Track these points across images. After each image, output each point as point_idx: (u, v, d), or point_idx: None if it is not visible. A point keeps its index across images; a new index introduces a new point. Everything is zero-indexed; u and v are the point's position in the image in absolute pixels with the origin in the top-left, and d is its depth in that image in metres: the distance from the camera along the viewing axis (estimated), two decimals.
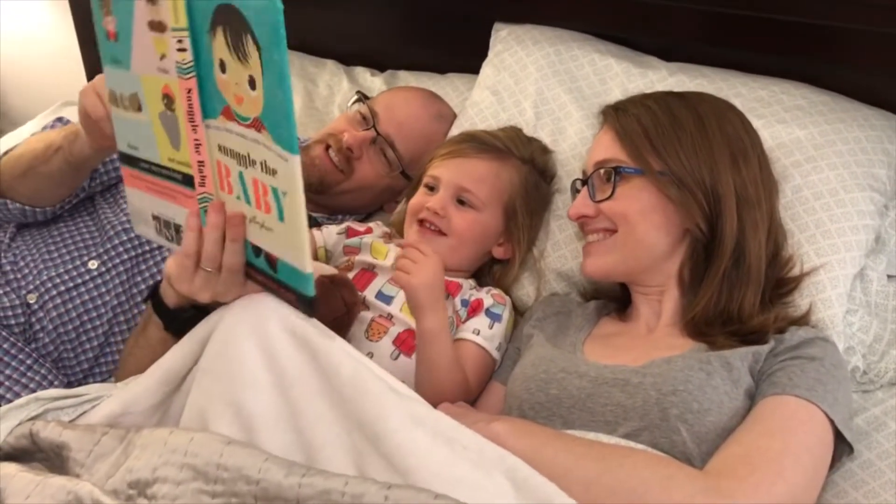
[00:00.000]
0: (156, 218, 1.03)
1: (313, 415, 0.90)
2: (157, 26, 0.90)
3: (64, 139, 1.29)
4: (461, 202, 1.32)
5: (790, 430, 0.99)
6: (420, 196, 1.34)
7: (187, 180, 0.96)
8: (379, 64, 1.94)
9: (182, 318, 1.05)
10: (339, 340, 0.94)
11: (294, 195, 0.82)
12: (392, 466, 0.86)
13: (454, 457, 0.86)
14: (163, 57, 0.91)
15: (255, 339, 0.91)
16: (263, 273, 0.93)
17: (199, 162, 0.93)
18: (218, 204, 0.93)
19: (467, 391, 1.21)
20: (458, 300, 1.28)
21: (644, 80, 1.49)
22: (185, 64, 0.88)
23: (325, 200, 1.54)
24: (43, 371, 1.30)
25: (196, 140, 0.92)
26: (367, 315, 1.24)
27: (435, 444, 0.86)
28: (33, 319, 1.33)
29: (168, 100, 0.93)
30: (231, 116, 0.87)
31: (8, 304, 1.32)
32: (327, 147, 1.51)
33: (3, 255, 1.38)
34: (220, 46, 0.85)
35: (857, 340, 1.23)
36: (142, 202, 1.05)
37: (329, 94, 1.91)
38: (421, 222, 1.32)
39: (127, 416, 0.99)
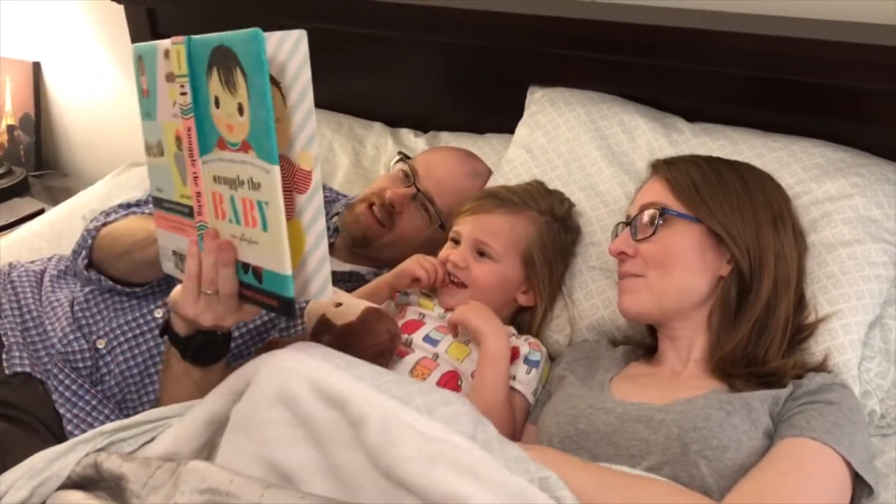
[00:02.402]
0: (175, 253, 1.13)
1: (348, 463, 0.95)
2: (170, 77, 1.03)
3: None
4: (481, 254, 1.42)
5: (806, 471, 1.03)
6: (446, 249, 1.46)
7: (191, 212, 1.06)
8: (422, 125, 2.05)
9: (194, 344, 1.13)
10: (367, 390, 0.99)
11: (275, 203, 0.91)
12: None
13: (478, 488, 0.90)
14: (174, 103, 1.03)
15: (284, 403, 0.98)
16: (251, 287, 1.01)
17: (197, 193, 1.03)
18: (212, 231, 1.02)
19: (513, 430, 1.28)
20: None
21: (669, 139, 1.57)
22: (186, 106, 1.00)
23: (368, 253, 1.64)
24: (106, 411, 1.39)
25: (194, 173, 1.02)
26: (412, 357, 1.32)
27: (461, 479, 0.90)
28: (101, 363, 1.42)
29: (179, 140, 1.05)
30: (224, 146, 0.97)
31: (78, 349, 1.42)
32: (371, 205, 1.60)
33: (76, 303, 1.48)
34: (214, 85, 0.95)
35: (875, 385, 1.27)
36: (165, 240, 1.15)
37: (375, 154, 2.02)
38: (447, 283, 1.43)
39: (179, 454, 1.05)
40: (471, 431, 0.98)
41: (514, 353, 1.35)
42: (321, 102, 2.12)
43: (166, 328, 1.16)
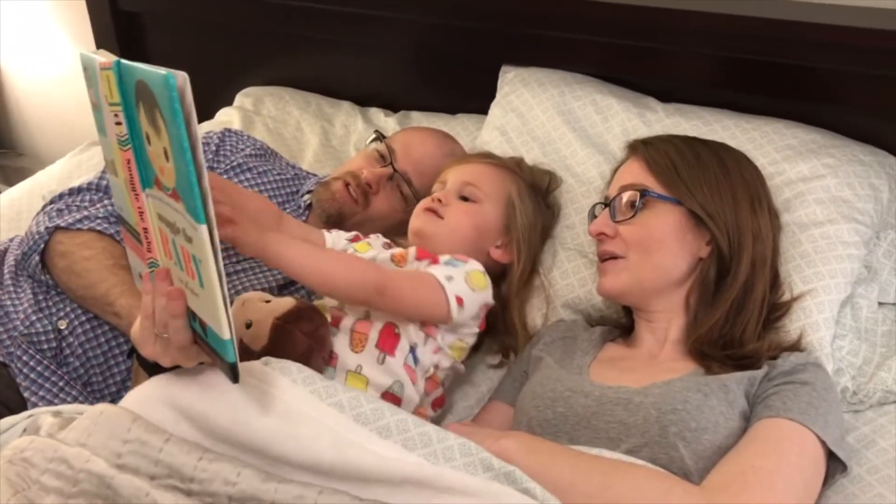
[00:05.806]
0: (140, 276, 1.06)
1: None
2: (107, 100, 0.93)
3: (127, 314, 1.31)
4: (465, 199, 1.39)
5: (783, 451, 1.04)
6: (427, 199, 1.41)
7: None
8: (392, 105, 2.03)
9: (162, 371, 1.05)
10: (324, 439, 0.95)
11: (206, 262, 0.83)
12: None
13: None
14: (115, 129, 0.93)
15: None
16: (200, 337, 0.94)
17: (144, 229, 0.95)
18: (163, 272, 0.94)
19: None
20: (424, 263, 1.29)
21: (642, 119, 1.57)
22: (122, 136, 0.90)
23: (341, 230, 1.61)
24: (74, 393, 1.36)
25: (139, 208, 0.94)
26: (347, 323, 1.23)
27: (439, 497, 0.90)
28: (63, 344, 1.39)
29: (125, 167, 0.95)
30: (160, 186, 0.88)
31: (41, 330, 1.38)
32: (346, 184, 1.57)
33: (35, 284, 1.44)
34: (143, 120, 0.86)
35: (847, 363, 1.29)
36: (132, 260, 1.09)
37: (345, 134, 1.99)
38: (425, 210, 1.38)
39: None
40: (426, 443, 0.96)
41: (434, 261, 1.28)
42: (288, 80, 2.12)
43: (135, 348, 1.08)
